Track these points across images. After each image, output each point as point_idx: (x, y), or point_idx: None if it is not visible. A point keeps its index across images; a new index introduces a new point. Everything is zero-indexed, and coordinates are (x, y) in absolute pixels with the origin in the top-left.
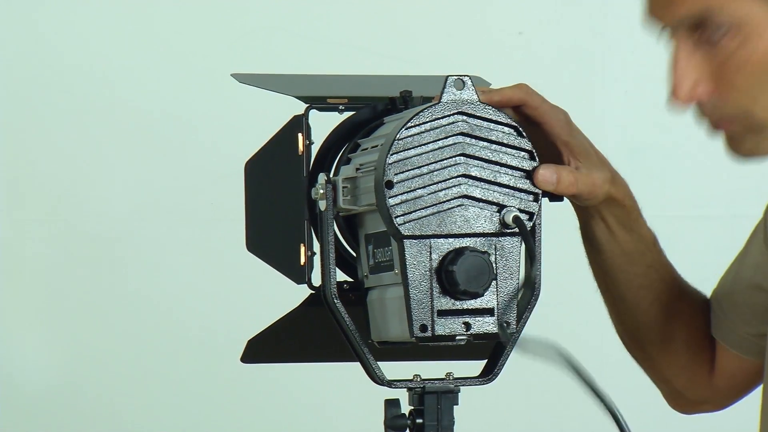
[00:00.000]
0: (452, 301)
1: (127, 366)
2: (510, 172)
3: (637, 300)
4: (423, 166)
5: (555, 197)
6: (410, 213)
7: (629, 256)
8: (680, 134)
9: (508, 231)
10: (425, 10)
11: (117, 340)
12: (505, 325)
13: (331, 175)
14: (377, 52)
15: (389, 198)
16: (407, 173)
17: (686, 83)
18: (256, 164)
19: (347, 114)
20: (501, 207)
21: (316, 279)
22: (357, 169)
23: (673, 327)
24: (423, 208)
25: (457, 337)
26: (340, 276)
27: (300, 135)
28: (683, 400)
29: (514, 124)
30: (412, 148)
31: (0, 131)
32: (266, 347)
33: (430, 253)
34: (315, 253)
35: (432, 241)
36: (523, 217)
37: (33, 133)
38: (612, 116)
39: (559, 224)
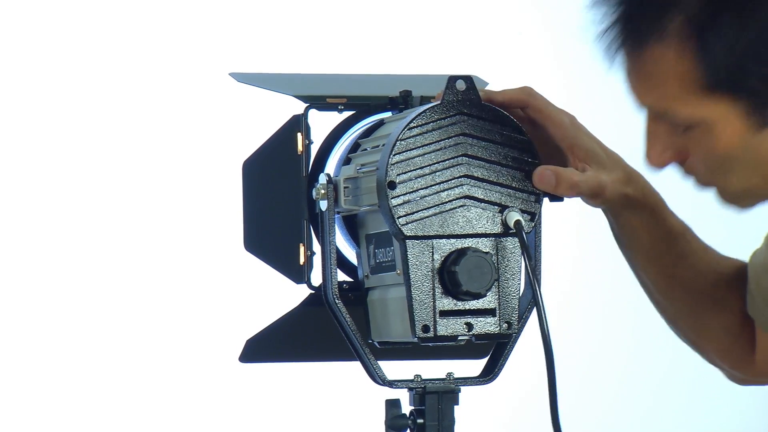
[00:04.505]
0: (454, 301)
1: (126, 365)
2: (512, 172)
3: (671, 290)
4: (425, 166)
5: (555, 197)
6: (412, 213)
7: (658, 250)
8: None
9: (511, 232)
10: (425, 10)
11: (116, 339)
12: (506, 325)
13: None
14: (377, 52)
15: (392, 198)
16: (409, 174)
17: (654, 152)
18: (253, 164)
19: (347, 113)
20: (503, 207)
21: (316, 279)
22: (358, 169)
23: (710, 313)
24: (425, 209)
25: (459, 338)
26: (340, 276)
27: (299, 134)
28: (736, 378)
29: (516, 124)
30: (415, 148)
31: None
32: (265, 347)
33: (432, 254)
34: (314, 253)
35: (434, 241)
36: (525, 217)
37: (33, 131)
38: (612, 116)
39: (559, 224)
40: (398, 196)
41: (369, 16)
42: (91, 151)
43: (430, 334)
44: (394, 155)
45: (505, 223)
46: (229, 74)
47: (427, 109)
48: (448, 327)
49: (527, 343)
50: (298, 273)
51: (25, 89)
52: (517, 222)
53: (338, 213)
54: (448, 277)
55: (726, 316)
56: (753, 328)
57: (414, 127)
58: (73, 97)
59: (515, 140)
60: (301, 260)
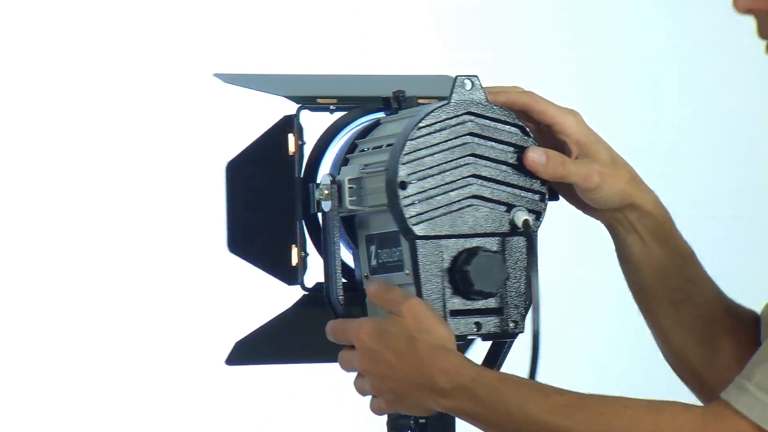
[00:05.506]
0: (464, 300)
1: (113, 368)
2: (518, 172)
3: (681, 315)
4: (434, 166)
5: (552, 195)
6: (423, 213)
7: (666, 270)
8: (680, 134)
9: (520, 231)
10: (424, 10)
11: (103, 341)
12: (513, 324)
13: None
14: (374, 52)
15: (403, 198)
16: (420, 173)
17: None
18: (239, 165)
19: (338, 114)
20: (509, 207)
21: (309, 280)
22: (362, 170)
23: (719, 340)
24: (435, 209)
25: (468, 337)
26: None
27: (291, 135)
28: None
29: (520, 124)
30: (424, 148)
31: None
32: (257, 349)
33: (442, 254)
34: (308, 254)
35: (444, 241)
36: (531, 216)
37: (25, 131)
38: (612, 116)
39: (559, 224)
40: (409, 196)
41: (365, 15)
42: (76, 152)
43: None
44: (404, 155)
45: (512, 223)
46: (214, 75)
47: (435, 108)
48: (458, 326)
49: (526, 343)
50: (289, 274)
51: (18, 89)
52: (526, 221)
53: (338, 213)
54: (459, 276)
55: (736, 343)
56: None
57: (423, 127)
58: (58, 97)
59: (521, 140)
60: (294, 261)
